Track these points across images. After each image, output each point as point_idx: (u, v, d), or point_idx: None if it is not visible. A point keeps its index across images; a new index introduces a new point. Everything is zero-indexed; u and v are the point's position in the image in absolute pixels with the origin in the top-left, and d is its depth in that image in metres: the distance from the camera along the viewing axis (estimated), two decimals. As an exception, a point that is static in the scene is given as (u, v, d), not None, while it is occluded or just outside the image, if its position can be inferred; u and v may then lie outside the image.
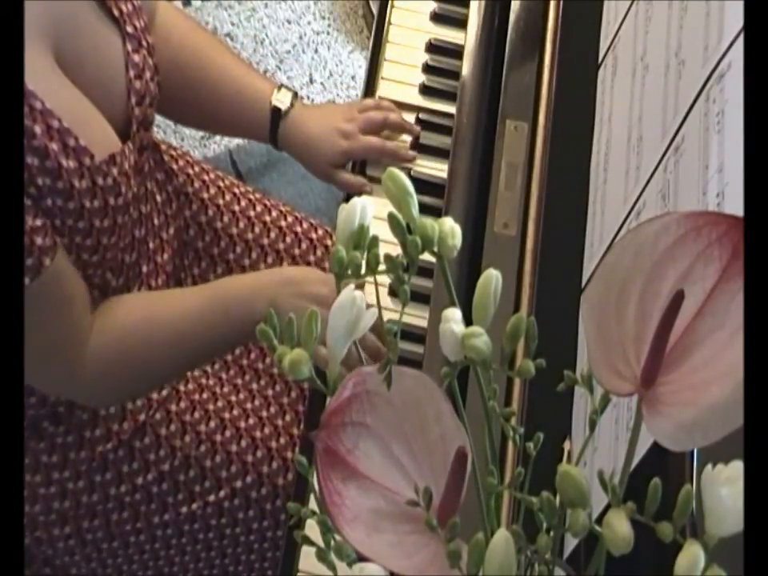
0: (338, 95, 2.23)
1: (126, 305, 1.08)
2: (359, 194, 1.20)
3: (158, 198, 1.17)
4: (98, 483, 1.17)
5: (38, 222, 0.92)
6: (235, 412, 1.22)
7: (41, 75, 0.93)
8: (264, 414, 1.23)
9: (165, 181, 1.22)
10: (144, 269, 1.13)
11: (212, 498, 1.19)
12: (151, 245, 1.14)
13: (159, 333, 1.07)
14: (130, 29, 1.04)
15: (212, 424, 1.20)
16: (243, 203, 1.34)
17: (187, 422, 1.19)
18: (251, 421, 1.22)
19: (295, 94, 1.24)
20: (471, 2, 1.28)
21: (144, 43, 1.06)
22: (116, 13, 1.03)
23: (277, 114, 1.22)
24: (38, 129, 0.91)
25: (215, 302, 1.08)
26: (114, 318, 1.05)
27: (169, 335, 1.07)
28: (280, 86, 1.24)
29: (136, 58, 1.04)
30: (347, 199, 1.16)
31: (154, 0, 1.19)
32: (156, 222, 1.16)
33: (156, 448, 1.17)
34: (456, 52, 1.28)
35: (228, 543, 1.23)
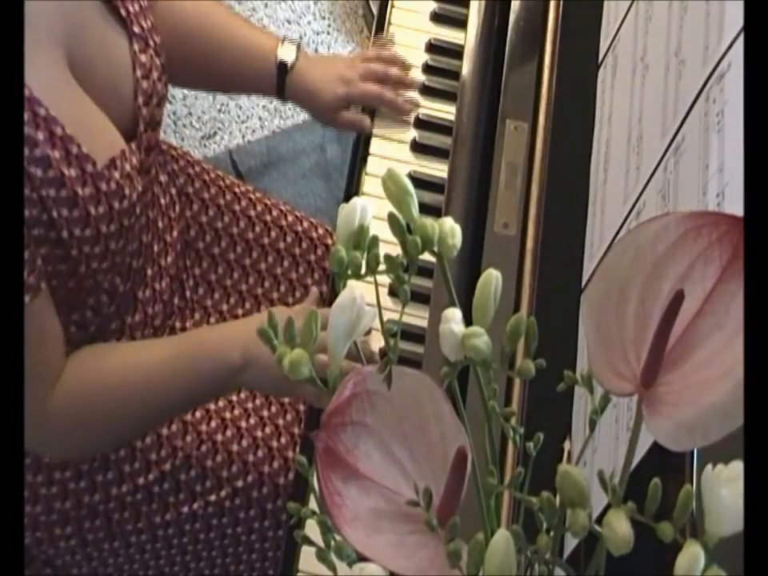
0: (338, 95, 2.22)
1: (95, 352, 1.07)
2: (357, 191, 1.20)
3: (162, 200, 1.18)
4: (99, 483, 1.17)
5: (25, 255, 0.92)
6: (236, 411, 1.22)
7: (48, 82, 0.93)
8: (265, 413, 1.23)
9: (168, 183, 1.22)
10: (149, 272, 1.13)
11: (213, 497, 1.19)
12: (155, 248, 1.14)
13: (128, 380, 1.06)
14: (137, 29, 1.05)
15: (213, 424, 1.20)
16: (243, 203, 1.34)
17: (188, 422, 1.19)
18: (252, 420, 1.22)
19: (299, 46, 1.27)
20: (471, 2, 1.28)
21: (151, 43, 1.06)
22: (123, 13, 1.04)
23: (283, 68, 1.25)
24: (40, 136, 0.91)
25: (189, 352, 1.08)
26: (82, 365, 1.04)
27: (137, 383, 1.06)
28: (283, 40, 1.26)
29: (143, 57, 1.05)
30: (347, 199, 1.17)
31: None
32: (160, 224, 1.16)
33: (157, 448, 1.17)
34: (456, 52, 1.28)
35: (229, 543, 1.23)
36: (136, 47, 1.04)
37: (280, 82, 1.26)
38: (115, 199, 0.99)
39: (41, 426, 1.02)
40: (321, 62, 1.33)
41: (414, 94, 1.27)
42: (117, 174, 0.99)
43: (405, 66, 1.28)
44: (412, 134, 1.25)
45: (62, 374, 1.02)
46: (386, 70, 1.27)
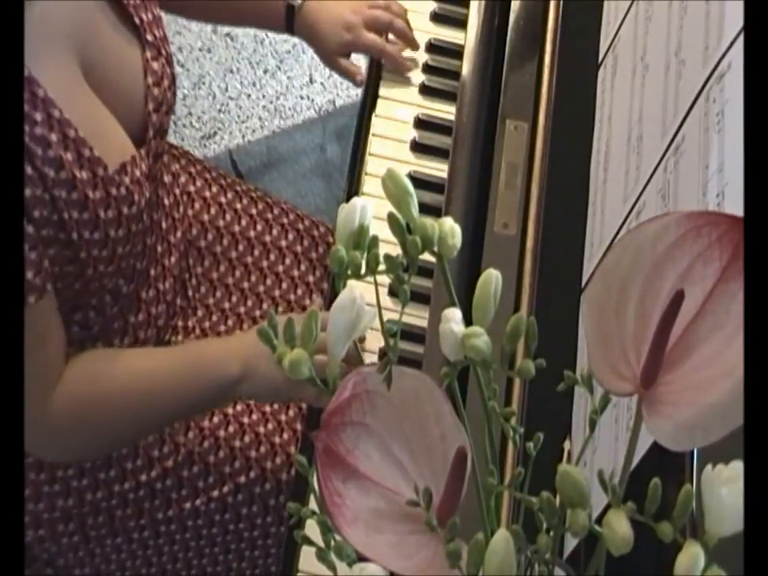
0: (338, 95, 2.23)
1: (96, 357, 1.07)
2: (357, 191, 1.21)
3: (166, 201, 1.18)
4: (101, 480, 1.17)
5: (32, 257, 0.92)
6: (238, 408, 1.22)
7: (61, 84, 0.93)
8: (267, 409, 1.23)
9: (172, 183, 1.22)
10: (152, 272, 1.14)
11: (215, 493, 1.19)
12: (159, 249, 1.14)
13: (127, 386, 1.06)
14: (149, 37, 1.06)
15: (215, 420, 1.20)
16: (245, 201, 1.35)
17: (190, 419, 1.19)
18: (254, 416, 1.22)
19: None
20: (471, 2, 1.28)
21: (163, 52, 1.07)
22: (136, 21, 1.04)
23: (291, 9, 1.29)
24: (54, 137, 0.91)
25: (188, 362, 1.09)
26: (83, 368, 1.04)
27: (137, 389, 1.06)
28: None
29: (155, 65, 1.05)
30: (347, 199, 1.17)
31: None
32: (164, 225, 1.16)
33: (159, 444, 1.17)
34: (456, 52, 1.28)
35: (231, 539, 1.23)
36: (148, 55, 1.05)
37: (289, 20, 1.30)
38: (125, 204, 0.99)
39: (39, 427, 1.02)
40: (329, 3, 1.34)
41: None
42: (127, 180, 1.00)
43: (408, 26, 1.30)
44: (412, 133, 1.25)
45: (63, 376, 1.02)
46: (391, 20, 1.28)
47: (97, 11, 1.01)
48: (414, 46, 1.29)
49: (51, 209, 0.92)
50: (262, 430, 1.21)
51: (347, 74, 1.30)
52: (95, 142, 0.96)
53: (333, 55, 1.30)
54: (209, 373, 1.07)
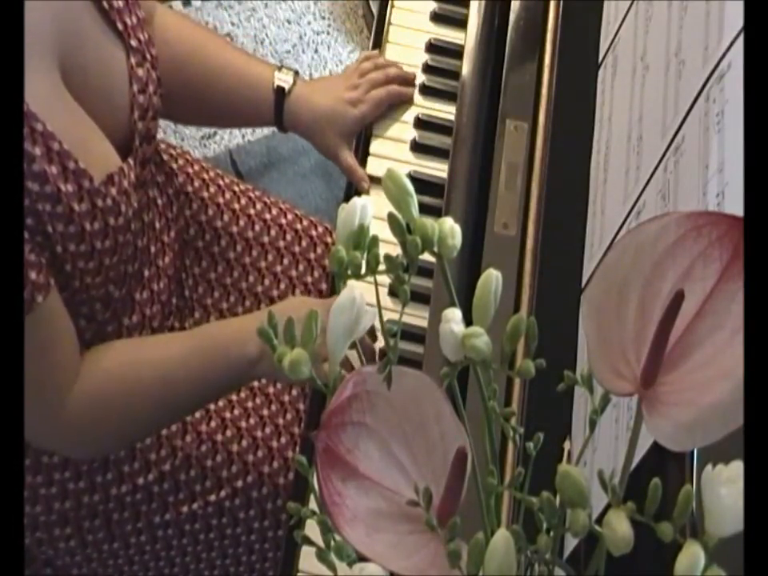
0: (338, 95, 2.22)
1: (112, 350, 1.07)
2: (357, 191, 1.20)
3: (159, 201, 1.17)
4: (98, 483, 1.17)
5: (32, 258, 0.91)
6: (236, 411, 1.22)
7: (44, 95, 0.92)
8: (265, 412, 1.23)
9: (165, 183, 1.22)
10: (146, 273, 1.13)
11: (213, 497, 1.19)
12: (153, 249, 1.14)
13: (145, 377, 1.06)
14: (134, 42, 1.04)
15: (213, 423, 1.20)
16: (243, 201, 1.34)
17: (188, 422, 1.19)
18: (252, 420, 1.22)
19: (296, 72, 1.25)
20: (471, 2, 1.28)
21: (148, 56, 1.05)
22: (120, 26, 1.03)
23: (280, 94, 1.23)
24: (38, 151, 0.90)
25: (204, 345, 1.08)
26: (99, 363, 1.04)
27: (155, 379, 1.06)
28: (280, 67, 1.25)
29: (140, 71, 1.04)
30: (347, 199, 1.16)
31: (153, 0, 1.19)
32: (157, 225, 1.15)
33: (157, 448, 1.17)
34: (456, 52, 1.28)
35: (229, 543, 1.23)
36: (133, 61, 1.03)
37: (278, 109, 1.23)
38: (111, 216, 0.99)
39: (61, 425, 1.02)
40: (319, 85, 1.30)
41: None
42: (114, 191, 0.98)
43: (398, 66, 1.28)
44: (412, 133, 1.25)
45: (80, 372, 1.02)
46: (385, 74, 1.26)
47: (84, 16, 0.99)
48: (413, 81, 1.27)
49: (36, 221, 0.92)
50: (259, 434, 1.21)
51: (351, 172, 1.22)
52: (80, 153, 0.94)
53: (343, 140, 1.23)
54: (226, 354, 1.06)
